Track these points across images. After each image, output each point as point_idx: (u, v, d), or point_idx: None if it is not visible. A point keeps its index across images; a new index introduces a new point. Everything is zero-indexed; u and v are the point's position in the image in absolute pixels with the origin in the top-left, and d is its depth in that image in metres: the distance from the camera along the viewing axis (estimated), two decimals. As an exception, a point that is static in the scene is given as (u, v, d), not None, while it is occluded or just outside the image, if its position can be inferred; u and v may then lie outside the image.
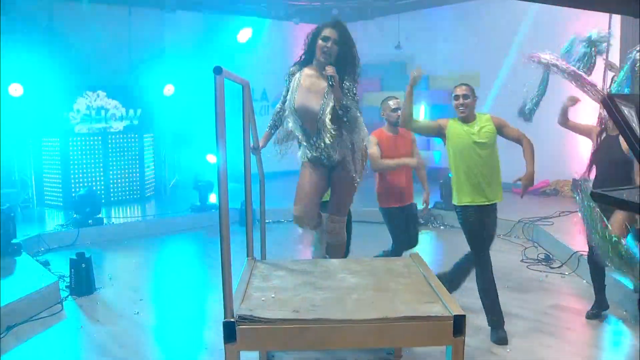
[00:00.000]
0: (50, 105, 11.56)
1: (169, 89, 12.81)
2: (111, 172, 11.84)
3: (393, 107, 5.89)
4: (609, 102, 2.11)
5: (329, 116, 4.43)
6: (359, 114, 4.46)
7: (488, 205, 5.12)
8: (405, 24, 14.25)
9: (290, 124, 4.63)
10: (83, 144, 11.57)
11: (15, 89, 11.05)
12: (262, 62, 13.64)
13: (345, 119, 4.41)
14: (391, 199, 5.99)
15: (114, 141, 11.97)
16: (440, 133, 5.22)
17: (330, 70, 4.32)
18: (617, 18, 8.13)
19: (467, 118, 5.14)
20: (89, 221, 9.54)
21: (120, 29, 12.77)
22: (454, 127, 5.17)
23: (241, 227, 7.14)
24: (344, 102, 4.35)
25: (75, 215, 9.61)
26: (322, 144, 4.53)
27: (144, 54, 12.84)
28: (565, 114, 5.63)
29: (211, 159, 12.78)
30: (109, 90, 12.23)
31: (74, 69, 11.79)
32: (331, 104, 4.42)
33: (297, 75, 4.63)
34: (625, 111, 2.10)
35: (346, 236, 4.94)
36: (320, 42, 4.50)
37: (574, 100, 5.48)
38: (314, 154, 4.64)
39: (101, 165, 11.71)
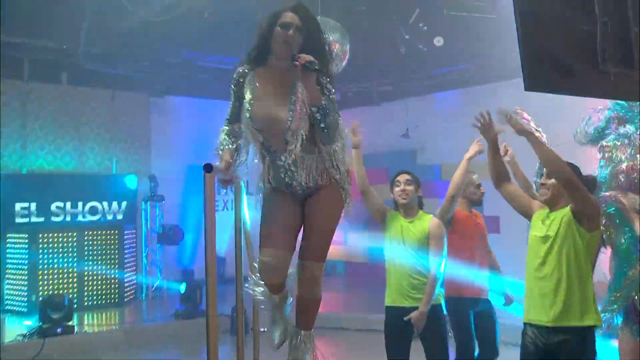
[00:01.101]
0: (21, 195, 11.65)
1: (153, 180, 12.97)
2: (86, 273, 11.71)
3: (477, 182, 5.77)
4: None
5: (300, 123, 3.63)
6: (339, 118, 3.70)
7: (552, 328, 4.22)
8: (413, 109, 14.54)
9: (249, 141, 3.86)
10: (55, 241, 11.47)
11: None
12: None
13: (322, 126, 3.62)
14: (462, 286, 5.42)
15: (90, 237, 11.86)
16: (527, 214, 4.63)
17: (305, 56, 3.57)
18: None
19: (551, 204, 4.41)
20: (58, 330, 9.37)
21: (102, 113, 13.08)
22: (537, 214, 4.52)
23: (232, 336, 7.07)
24: (324, 102, 3.60)
25: (41, 324, 9.41)
26: (292, 163, 3.69)
27: (127, 142, 13.08)
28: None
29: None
30: (88, 180, 12.39)
31: (50, 155, 11.99)
32: (301, 108, 3.64)
33: (249, 78, 3.81)
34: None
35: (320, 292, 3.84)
36: (278, 30, 3.69)
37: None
38: (282, 179, 3.73)
39: (75, 264, 11.60)
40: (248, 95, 3.74)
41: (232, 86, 3.85)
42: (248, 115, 3.69)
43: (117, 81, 13.07)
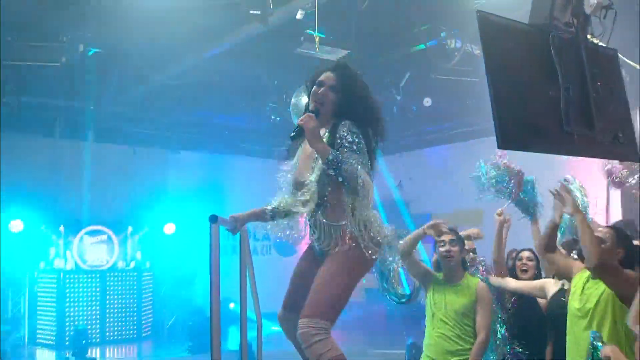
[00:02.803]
0: (49, 242, 11.70)
1: (169, 228, 13.01)
2: (108, 311, 11.69)
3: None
4: None
5: (316, 185, 3.35)
6: (359, 167, 3.20)
7: None
8: (406, 163, 14.60)
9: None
10: (80, 282, 11.53)
11: (16, 225, 11.25)
12: (264, 200, 13.87)
13: (340, 179, 3.21)
14: None
15: (111, 279, 11.94)
16: (567, 277, 4.11)
17: (302, 119, 3.31)
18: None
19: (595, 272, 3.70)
20: (82, 362, 9.32)
21: (124, 168, 13.17)
22: (577, 277, 3.90)
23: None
24: (331, 156, 3.18)
25: (67, 355, 9.39)
26: (312, 224, 3.41)
27: (147, 193, 13.15)
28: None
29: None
30: (110, 228, 12.46)
31: (76, 206, 12.06)
32: (321, 170, 3.33)
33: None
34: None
35: (332, 351, 3.11)
36: (313, 88, 3.52)
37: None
38: (311, 238, 3.50)
39: (98, 303, 11.59)
40: (295, 159, 3.58)
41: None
42: (289, 177, 3.57)
43: (138, 138, 13.19)
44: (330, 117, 3.46)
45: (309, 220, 3.44)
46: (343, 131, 3.31)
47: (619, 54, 3.46)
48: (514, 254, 5.27)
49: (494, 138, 2.78)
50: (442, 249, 4.58)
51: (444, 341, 4.41)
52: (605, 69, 3.16)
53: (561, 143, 2.97)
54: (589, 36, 3.15)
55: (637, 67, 7.45)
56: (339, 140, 3.29)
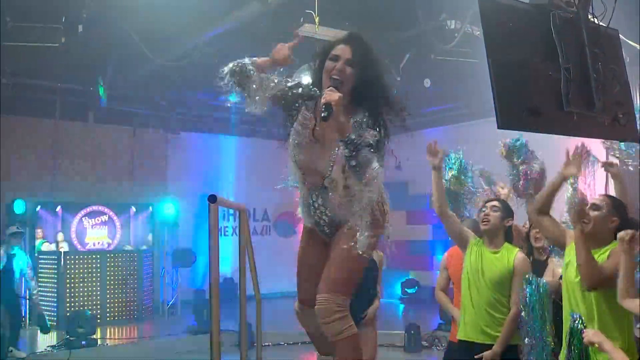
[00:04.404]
0: (50, 223, 11.72)
1: (169, 208, 13.02)
2: (108, 292, 11.70)
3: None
4: None
5: (339, 172, 3.13)
6: (373, 158, 2.99)
7: None
8: (404, 144, 14.54)
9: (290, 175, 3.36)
10: (80, 262, 11.51)
11: (19, 206, 11.25)
12: (264, 181, 13.88)
13: (352, 163, 2.95)
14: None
15: (112, 259, 11.95)
16: (561, 244, 3.93)
17: (327, 96, 2.95)
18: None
19: (593, 238, 3.56)
20: (82, 342, 9.33)
21: (124, 149, 13.17)
22: (570, 249, 3.73)
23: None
24: (351, 137, 2.94)
25: (67, 336, 9.41)
26: (323, 205, 3.22)
27: (147, 174, 13.15)
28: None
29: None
30: (110, 209, 12.48)
31: (76, 188, 12.07)
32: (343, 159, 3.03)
33: (300, 116, 3.23)
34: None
35: (350, 328, 3.07)
36: (327, 63, 3.17)
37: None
38: (313, 219, 3.29)
39: (98, 284, 11.60)
40: (295, 136, 3.23)
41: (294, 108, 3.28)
42: (292, 154, 3.27)
43: (138, 119, 13.17)
44: (346, 96, 3.10)
45: (314, 202, 3.25)
46: (368, 119, 3.14)
47: (620, 35, 3.44)
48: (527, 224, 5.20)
49: (494, 119, 2.76)
50: (481, 214, 4.50)
51: (480, 314, 4.30)
52: (606, 49, 3.13)
53: (561, 123, 2.95)
54: (589, 16, 3.12)
55: (638, 47, 7.40)
56: (358, 125, 3.09)
